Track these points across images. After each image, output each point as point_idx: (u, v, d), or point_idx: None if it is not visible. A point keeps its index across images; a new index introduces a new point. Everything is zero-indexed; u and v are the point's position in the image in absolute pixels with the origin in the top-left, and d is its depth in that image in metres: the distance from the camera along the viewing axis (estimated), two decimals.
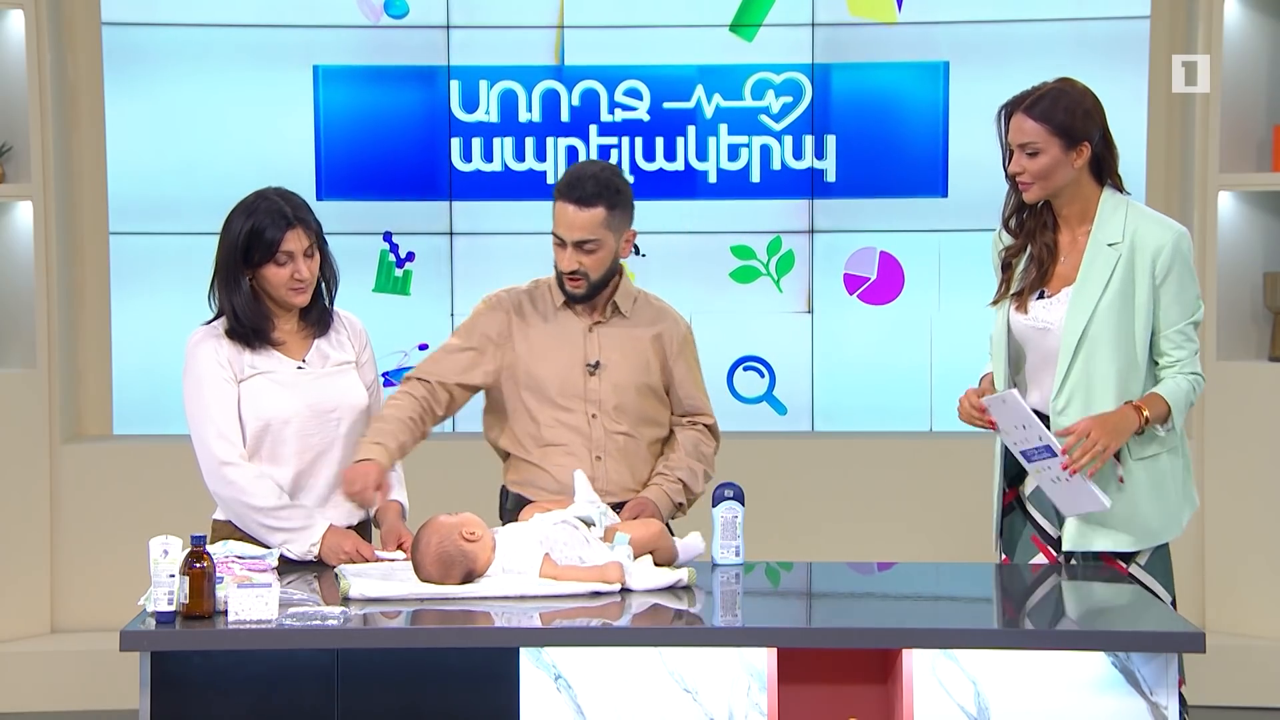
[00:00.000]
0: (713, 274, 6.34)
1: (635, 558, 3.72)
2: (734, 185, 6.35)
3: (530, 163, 6.32)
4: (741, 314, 6.35)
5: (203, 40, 6.26)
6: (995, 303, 4.07)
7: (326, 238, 4.10)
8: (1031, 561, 4.01)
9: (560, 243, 4.13)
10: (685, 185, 6.34)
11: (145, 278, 6.29)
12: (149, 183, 6.29)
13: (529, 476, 4.22)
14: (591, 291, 4.16)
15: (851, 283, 6.35)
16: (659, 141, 6.33)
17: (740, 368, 6.37)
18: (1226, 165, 6.00)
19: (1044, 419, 3.96)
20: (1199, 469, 6.04)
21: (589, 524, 3.80)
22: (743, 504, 3.98)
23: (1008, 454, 4.04)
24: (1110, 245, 3.93)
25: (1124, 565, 3.95)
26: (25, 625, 6.11)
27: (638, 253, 6.26)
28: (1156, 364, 3.96)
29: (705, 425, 4.33)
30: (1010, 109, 3.98)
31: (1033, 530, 4.03)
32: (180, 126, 6.28)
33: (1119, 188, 4.00)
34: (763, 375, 6.37)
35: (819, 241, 6.34)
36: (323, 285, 4.10)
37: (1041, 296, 3.99)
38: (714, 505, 3.98)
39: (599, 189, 4.09)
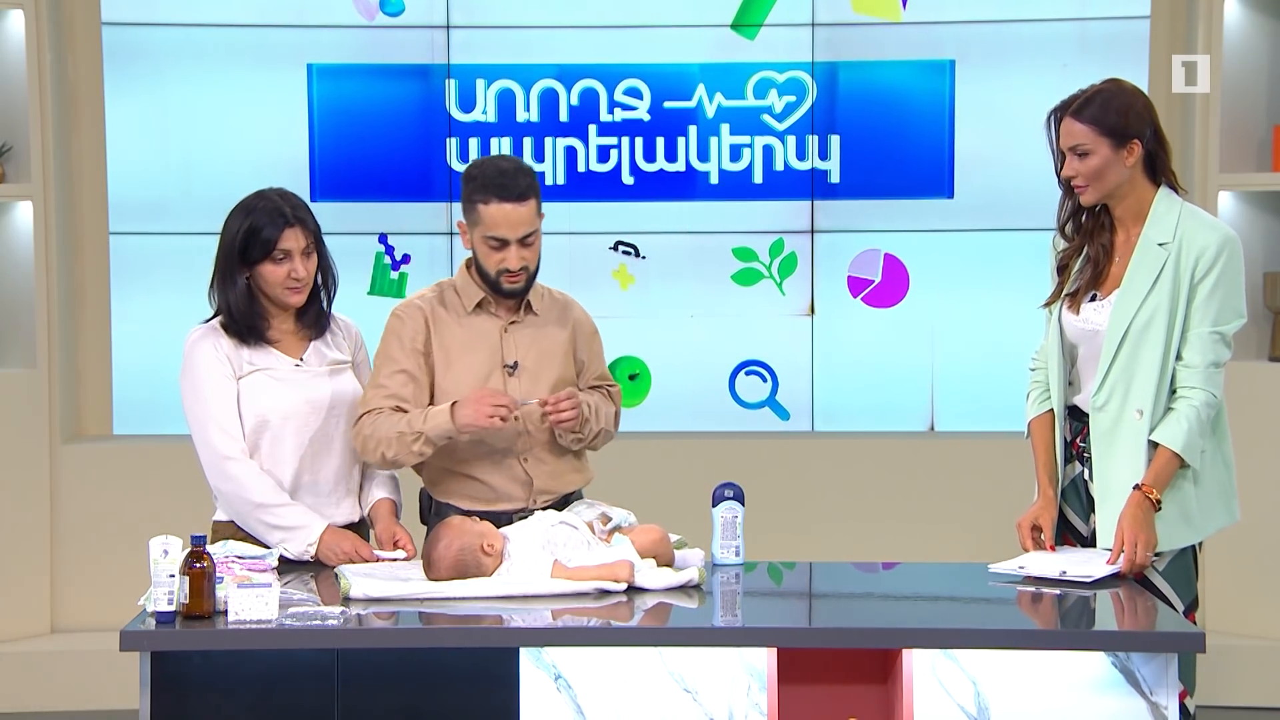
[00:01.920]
0: (714, 276, 6.33)
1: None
2: (736, 186, 6.34)
3: (529, 163, 6.31)
4: (743, 317, 6.35)
5: (202, 40, 6.26)
6: (1048, 304, 4.06)
7: (324, 240, 4.11)
8: None
9: (501, 243, 4.02)
10: (686, 186, 6.33)
11: (145, 278, 6.29)
12: (149, 183, 6.29)
13: (456, 486, 4.14)
14: (529, 284, 4.10)
15: (855, 285, 6.34)
16: (659, 142, 6.32)
17: (742, 372, 6.36)
18: (1226, 165, 6.00)
19: (1084, 415, 3.97)
20: None
21: (607, 519, 3.81)
22: (743, 504, 3.98)
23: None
24: (1161, 245, 3.91)
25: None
26: (25, 625, 6.11)
27: (637, 254, 6.27)
28: (1179, 359, 3.93)
29: (609, 390, 4.28)
30: (1059, 113, 3.95)
31: (1064, 529, 4.04)
32: (180, 126, 6.28)
33: (1174, 186, 3.98)
34: (765, 380, 6.36)
35: (822, 243, 6.33)
36: (320, 287, 4.11)
37: (1094, 299, 3.98)
38: (714, 505, 3.98)
39: (528, 180, 4.04)
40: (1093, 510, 3.98)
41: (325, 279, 4.11)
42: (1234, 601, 6.00)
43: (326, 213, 6.02)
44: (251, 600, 3.39)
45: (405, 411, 4.03)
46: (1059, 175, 3.99)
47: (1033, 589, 3.74)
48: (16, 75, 6.05)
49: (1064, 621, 3.60)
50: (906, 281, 6.31)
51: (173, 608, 3.40)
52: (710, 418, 6.36)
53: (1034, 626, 3.57)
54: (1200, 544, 4.00)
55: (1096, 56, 6.18)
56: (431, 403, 4.08)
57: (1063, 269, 4.04)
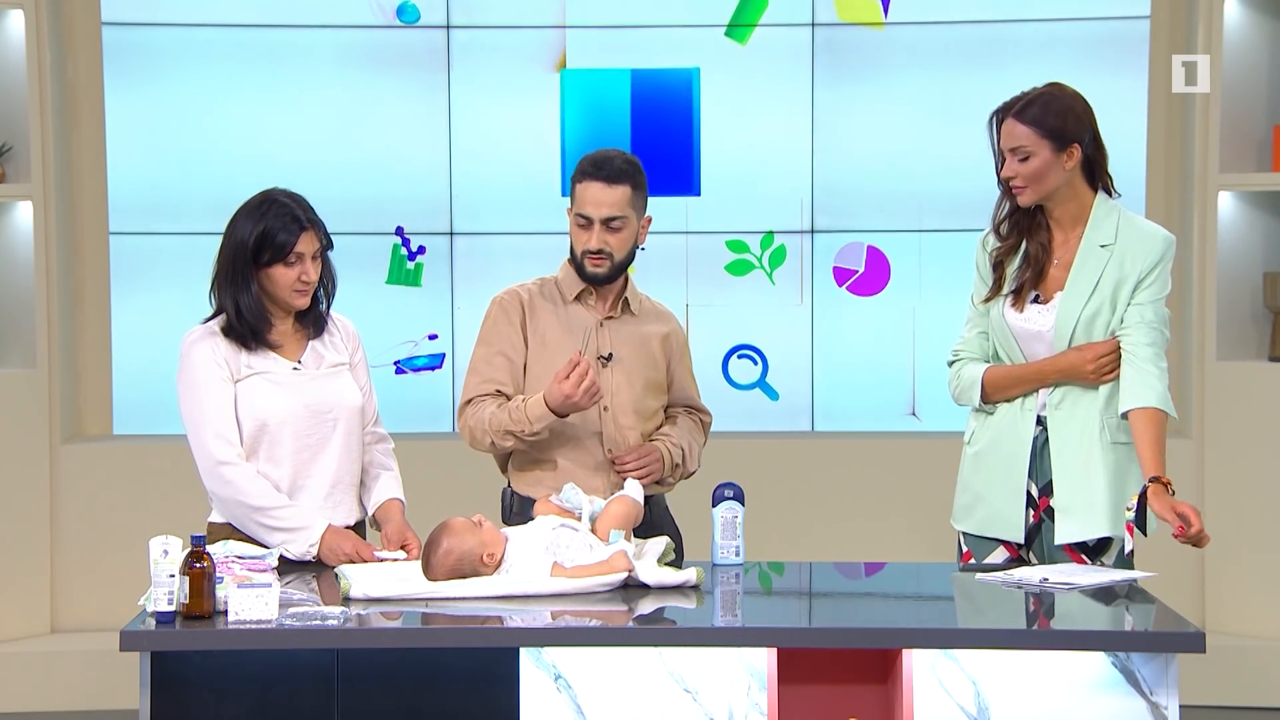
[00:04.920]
0: (709, 267, 6.36)
1: (627, 536, 3.78)
2: (730, 183, 6.35)
3: (533, 161, 6.33)
4: (736, 305, 6.38)
5: (203, 40, 6.26)
6: (987, 300, 4.09)
7: (332, 240, 4.12)
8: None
9: (586, 222, 4.15)
10: (684, 182, 6.36)
11: (145, 278, 6.29)
12: (149, 183, 6.29)
13: (539, 477, 4.22)
14: (613, 273, 4.19)
15: (840, 275, 6.38)
16: (657, 141, 6.33)
17: (735, 356, 6.40)
18: (1226, 165, 6.00)
19: (1040, 420, 4.02)
20: (1199, 468, 6.05)
21: (578, 516, 3.83)
22: (743, 504, 3.98)
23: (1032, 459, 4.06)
24: (1103, 247, 4.01)
25: (1087, 560, 3.99)
26: (25, 625, 6.11)
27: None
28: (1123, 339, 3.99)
29: (701, 419, 4.37)
30: (1001, 115, 4.03)
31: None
32: (181, 126, 6.28)
33: (1109, 190, 4.06)
34: (756, 363, 6.40)
35: (813, 238, 6.36)
36: (320, 290, 4.11)
37: (1036, 300, 4.04)
38: (714, 505, 3.98)
39: (625, 166, 4.15)
40: (1045, 481, 4.02)
41: (325, 281, 4.12)
42: (1234, 601, 6.00)
43: (338, 209, 6.09)
44: (251, 600, 3.39)
45: (504, 395, 4.18)
46: (999, 176, 4.05)
47: (1019, 582, 3.75)
48: (16, 75, 6.05)
49: (1064, 621, 3.60)
50: (888, 272, 6.34)
51: (173, 608, 3.40)
52: (705, 399, 6.39)
53: (1034, 626, 3.57)
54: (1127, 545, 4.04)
55: (1095, 57, 6.19)
56: (523, 390, 4.21)
57: (998, 266, 4.10)
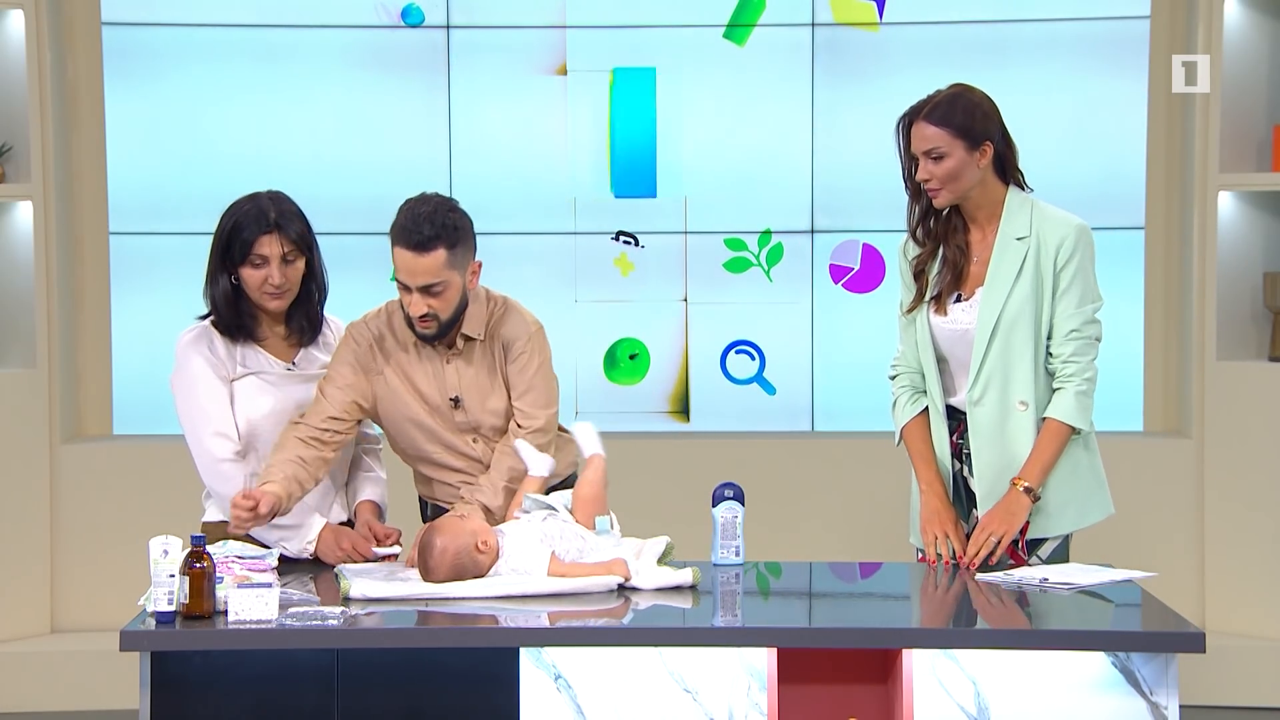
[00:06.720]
0: (707, 264, 6.36)
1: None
2: (731, 181, 6.36)
3: (534, 161, 6.33)
4: (734, 303, 6.38)
5: (203, 40, 6.26)
6: (910, 311, 4.11)
7: (319, 242, 4.09)
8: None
9: (405, 288, 3.98)
10: (677, 181, 6.36)
11: (145, 278, 6.29)
12: (149, 183, 6.29)
13: (437, 491, 4.19)
14: (443, 330, 4.02)
15: (836, 272, 6.38)
16: (654, 140, 6.33)
17: (732, 351, 6.41)
18: (1226, 165, 6.00)
19: (961, 414, 4.05)
20: (1199, 468, 6.05)
21: (553, 510, 3.83)
22: (743, 504, 3.98)
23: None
24: (1019, 239, 4.03)
25: (1023, 556, 4.02)
26: (25, 625, 6.11)
27: (636, 243, 6.30)
28: (1050, 356, 4.03)
29: (522, 426, 4.13)
30: (910, 118, 4.04)
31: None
32: (180, 126, 6.28)
33: (1021, 185, 4.08)
34: (753, 358, 6.41)
35: (811, 239, 6.36)
36: (314, 293, 4.10)
37: (959, 300, 4.06)
38: (714, 505, 3.98)
39: (436, 231, 3.93)
40: (973, 506, 4.07)
41: (316, 286, 4.10)
42: (1234, 601, 6.00)
43: (338, 209, 6.07)
44: (251, 600, 3.39)
45: (311, 437, 3.99)
46: (906, 181, 4.07)
47: (1019, 583, 3.76)
48: (16, 75, 6.04)
49: (1064, 621, 3.60)
50: (883, 269, 6.35)
51: (173, 608, 3.41)
52: (703, 394, 6.40)
53: (1034, 626, 3.57)
54: (1071, 535, 4.09)
55: (1095, 57, 6.19)
56: (378, 416, 4.12)
57: (919, 275, 4.11)
